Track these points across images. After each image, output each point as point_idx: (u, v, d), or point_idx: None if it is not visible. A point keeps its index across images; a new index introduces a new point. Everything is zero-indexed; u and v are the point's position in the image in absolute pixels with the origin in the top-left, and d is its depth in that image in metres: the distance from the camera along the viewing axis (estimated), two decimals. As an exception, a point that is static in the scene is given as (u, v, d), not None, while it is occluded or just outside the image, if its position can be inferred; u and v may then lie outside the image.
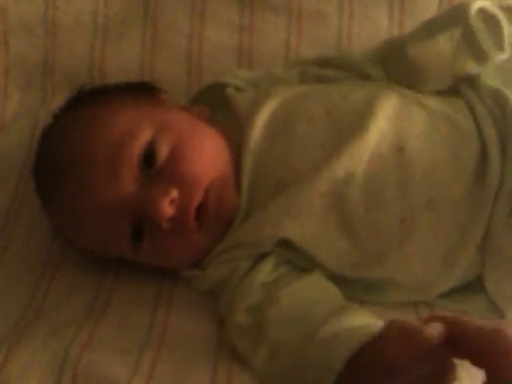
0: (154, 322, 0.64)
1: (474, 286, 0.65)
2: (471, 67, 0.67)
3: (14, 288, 0.70)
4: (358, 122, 0.65)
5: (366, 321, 0.55)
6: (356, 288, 0.65)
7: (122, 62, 0.85)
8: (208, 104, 0.75)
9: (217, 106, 0.74)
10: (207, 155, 0.66)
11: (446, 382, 0.48)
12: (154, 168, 0.64)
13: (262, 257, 0.64)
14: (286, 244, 0.64)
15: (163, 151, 0.64)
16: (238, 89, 0.74)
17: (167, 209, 0.62)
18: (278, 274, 0.64)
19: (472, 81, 0.69)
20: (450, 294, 0.64)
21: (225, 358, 0.60)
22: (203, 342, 0.62)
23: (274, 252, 0.64)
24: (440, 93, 0.70)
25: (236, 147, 0.68)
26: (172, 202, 0.63)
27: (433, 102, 0.68)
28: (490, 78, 0.68)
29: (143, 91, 0.71)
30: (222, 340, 0.62)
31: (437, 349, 0.46)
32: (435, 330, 0.47)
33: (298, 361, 0.55)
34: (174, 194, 0.63)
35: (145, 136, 0.64)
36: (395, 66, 0.71)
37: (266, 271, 0.63)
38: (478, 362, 0.46)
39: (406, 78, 0.70)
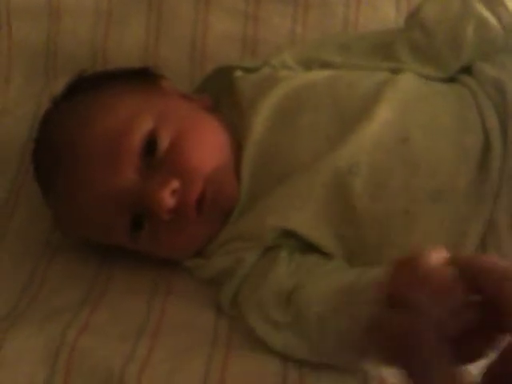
0: (151, 310, 0.64)
1: None
2: (482, 10, 0.68)
3: (11, 274, 0.70)
4: (362, 113, 0.64)
5: None
6: None
7: (125, 48, 0.84)
8: (215, 89, 0.74)
9: (223, 91, 0.73)
10: (208, 145, 0.65)
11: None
12: (154, 158, 0.63)
13: (269, 249, 0.64)
14: (290, 234, 0.63)
15: (164, 141, 0.63)
16: (248, 70, 0.72)
17: (168, 200, 0.61)
18: (296, 263, 0.63)
19: (474, 71, 0.68)
20: None
21: (221, 346, 0.60)
22: (200, 330, 0.62)
23: (282, 244, 0.63)
24: (445, 80, 0.69)
25: (238, 136, 0.67)
26: (173, 192, 0.62)
27: (438, 93, 0.67)
28: (491, 68, 0.67)
29: (145, 78, 0.71)
30: (218, 329, 0.62)
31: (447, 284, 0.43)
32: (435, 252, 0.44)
33: (346, 314, 0.55)
34: (175, 184, 0.62)
35: (146, 125, 0.63)
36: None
37: (284, 264, 0.63)
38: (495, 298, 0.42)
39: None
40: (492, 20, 0.68)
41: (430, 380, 0.42)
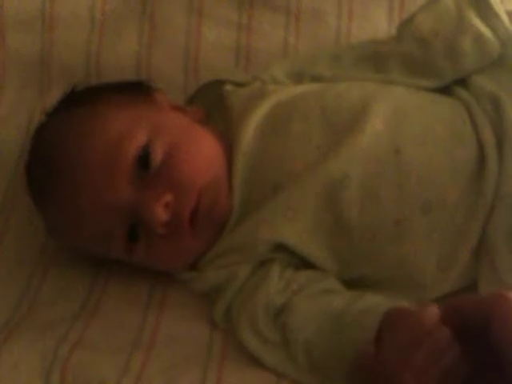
0: (146, 323, 0.64)
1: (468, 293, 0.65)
2: (478, 24, 0.68)
3: (6, 285, 0.70)
4: (353, 123, 0.64)
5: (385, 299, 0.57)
6: (352, 289, 0.64)
7: (119, 58, 0.84)
8: (206, 102, 0.75)
9: (214, 104, 0.73)
10: (201, 158, 0.65)
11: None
12: (148, 171, 0.63)
13: (261, 263, 0.64)
14: (282, 247, 0.63)
15: (158, 154, 0.64)
16: (238, 84, 0.73)
17: (162, 214, 0.62)
18: (287, 279, 0.63)
19: (470, 84, 0.69)
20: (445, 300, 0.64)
21: (215, 358, 0.60)
22: (194, 343, 0.62)
23: (274, 259, 0.64)
24: (439, 93, 0.70)
25: (229, 148, 0.67)
26: (166, 206, 0.62)
27: (431, 103, 0.68)
28: (487, 82, 0.68)
29: (138, 91, 0.71)
30: (213, 341, 0.62)
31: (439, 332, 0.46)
32: (430, 310, 0.46)
33: (333, 347, 0.56)
34: (169, 198, 0.62)
35: (139, 139, 0.64)
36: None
37: (275, 280, 0.63)
38: (485, 333, 0.44)
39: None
40: (487, 33, 0.68)
41: None
